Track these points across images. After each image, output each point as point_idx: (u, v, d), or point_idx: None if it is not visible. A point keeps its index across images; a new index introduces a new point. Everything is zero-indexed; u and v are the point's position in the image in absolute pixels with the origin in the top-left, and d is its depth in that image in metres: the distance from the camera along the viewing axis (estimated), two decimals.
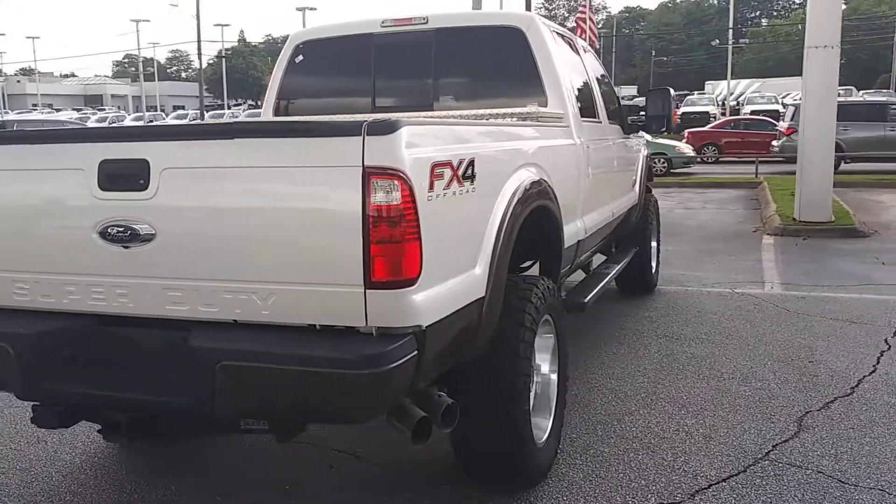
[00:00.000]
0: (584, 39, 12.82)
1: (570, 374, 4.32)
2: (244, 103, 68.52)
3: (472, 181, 2.81)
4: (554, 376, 3.59)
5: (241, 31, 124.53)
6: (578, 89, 4.80)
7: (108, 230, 2.59)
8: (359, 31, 4.80)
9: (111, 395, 2.64)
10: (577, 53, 5.23)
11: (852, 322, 5.84)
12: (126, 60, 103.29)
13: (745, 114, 31.97)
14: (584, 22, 19.38)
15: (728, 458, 3.58)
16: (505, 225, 3.03)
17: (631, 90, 60.14)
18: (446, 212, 2.62)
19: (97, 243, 2.60)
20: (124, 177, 2.57)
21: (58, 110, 54.52)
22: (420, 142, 2.50)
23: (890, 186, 15.05)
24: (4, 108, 55.14)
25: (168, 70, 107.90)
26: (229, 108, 58.87)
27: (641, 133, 7.07)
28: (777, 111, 29.45)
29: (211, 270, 2.52)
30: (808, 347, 5.25)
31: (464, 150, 2.82)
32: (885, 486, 3.28)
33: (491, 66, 4.61)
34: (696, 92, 49.39)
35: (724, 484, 3.33)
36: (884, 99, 24.93)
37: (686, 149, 20.66)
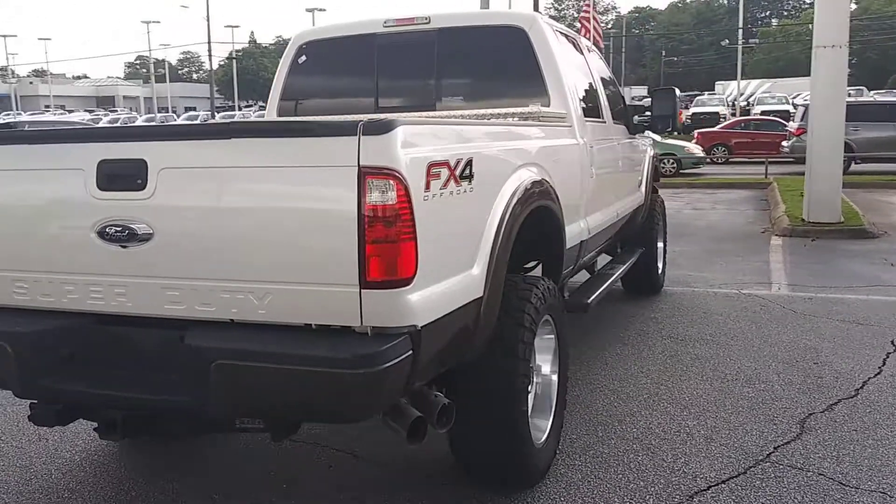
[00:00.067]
0: (589, 39, 12.80)
1: (572, 375, 4.32)
2: (255, 104, 68.74)
3: (470, 181, 2.80)
4: (554, 377, 3.58)
5: (252, 33, 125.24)
6: (582, 89, 4.78)
7: (107, 230, 2.60)
8: (361, 31, 4.80)
9: (109, 394, 2.65)
10: (581, 53, 5.21)
11: (859, 323, 5.80)
12: (138, 62, 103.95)
13: (755, 114, 31.84)
14: (588, 21, 19.34)
15: (728, 459, 3.56)
16: (504, 225, 3.02)
17: (641, 90, 60.00)
18: (443, 212, 2.61)
19: (95, 243, 2.62)
20: (122, 177, 2.58)
21: (70, 111, 54.93)
22: (416, 141, 2.50)
23: None
24: (17, 110, 55.58)
25: (179, 71, 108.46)
26: (240, 109, 59.04)
27: (648, 133, 7.05)
28: (787, 111, 29.32)
29: (208, 270, 2.52)
30: (813, 349, 5.21)
31: (461, 149, 2.81)
32: (887, 488, 3.25)
33: (493, 66, 4.60)
34: (706, 92, 49.21)
35: (723, 486, 3.31)
36: (894, 99, 24.76)
37: (695, 149, 20.58)
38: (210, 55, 49.70)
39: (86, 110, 58.33)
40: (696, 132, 24.29)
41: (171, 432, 3.17)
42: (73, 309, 2.74)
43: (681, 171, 19.25)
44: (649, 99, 6.51)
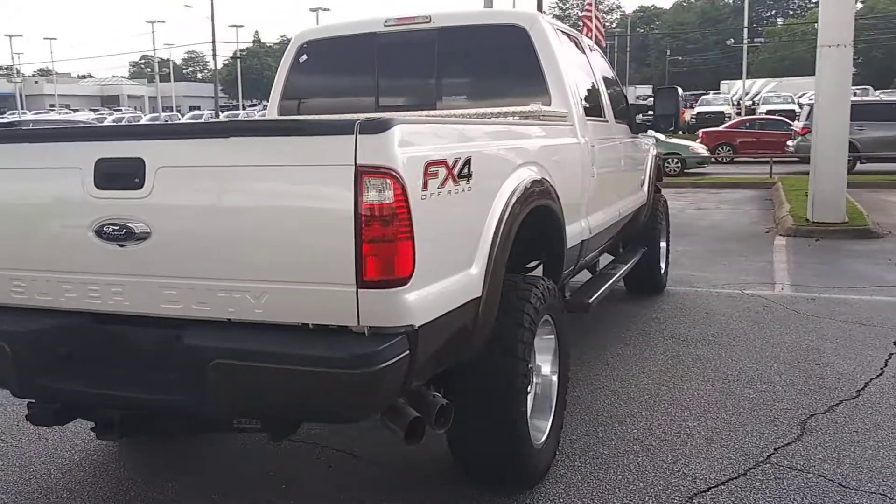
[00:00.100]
0: (590, 38, 12.78)
1: (573, 375, 4.30)
2: (259, 104, 68.82)
3: (469, 180, 2.79)
4: (554, 377, 3.57)
5: (256, 32, 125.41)
6: (583, 88, 4.77)
7: (104, 228, 2.59)
8: (362, 30, 4.80)
9: (106, 393, 2.65)
10: (583, 52, 5.20)
11: (862, 324, 5.77)
12: (142, 61, 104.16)
13: (760, 114, 31.75)
14: (591, 20, 19.36)
15: (728, 460, 3.54)
16: (503, 224, 3.01)
17: (646, 90, 59.85)
18: (441, 211, 2.61)
19: (93, 242, 2.61)
20: (120, 175, 2.58)
21: (75, 111, 55.04)
22: (414, 140, 2.49)
23: None
24: (22, 109, 55.74)
25: (184, 71, 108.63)
26: (244, 108, 59.13)
27: (651, 132, 7.02)
28: (793, 111, 29.25)
29: (205, 269, 2.52)
30: (815, 350, 5.19)
31: (459, 148, 2.80)
32: (887, 490, 3.24)
33: (494, 65, 4.59)
34: (711, 91, 49.11)
35: (723, 487, 3.30)
36: None
37: (700, 149, 20.54)
38: (214, 55, 49.80)
39: (90, 109, 58.45)
40: (700, 131, 24.25)
41: (168, 432, 3.16)
42: (70, 308, 2.74)
43: (685, 171, 19.21)
44: (652, 98, 6.48)
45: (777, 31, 78.07)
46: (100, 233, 2.60)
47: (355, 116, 2.50)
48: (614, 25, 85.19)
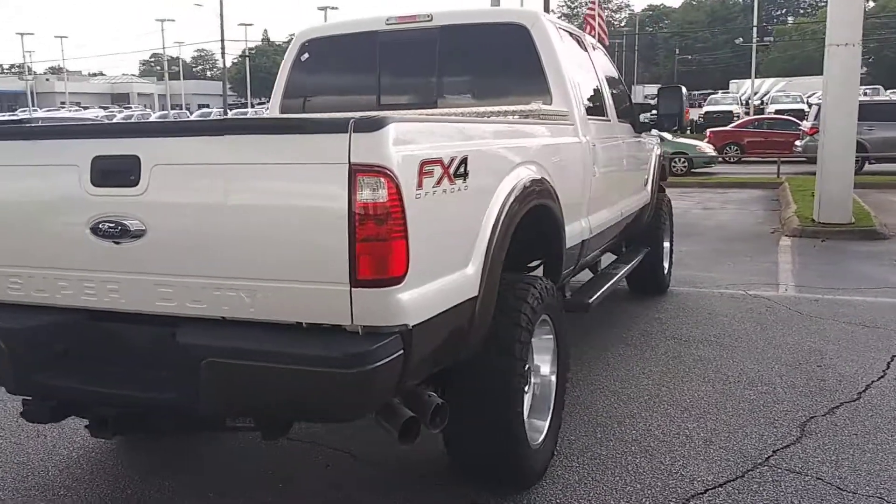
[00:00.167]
0: (594, 37, 12.74)
1: (573, 375, 4.30)
2: (268, 102, 68.83)
3: (465, 179, 2.78)
4: (553, 377, 3.55)
5: (266, 31, 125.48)
6: (585, 87, 4.75)
7: (100, 226, 2.59)
8: (364, 28, 4.79)
9: (100, 391, 2.65)
10: (586, 51, 5.18)
11: (865, 326, 5.74)
12: (153, 59, 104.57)
13: (769, 113, 31.61)
14: (594, 19, 19.32)
15: (727, 462, 3.53)
16: (500, 224, 2.99)
17: (654, 89, 59.66)
18: (436, 210, 2.60)
19: (89, 239, 2.61)
20: (116, 173, 2.58)
21: (85, 108, 55.31)
22: (408, 139, 2.48)
23: None
24: (33, 106, 56.04)
25: (194, 69, 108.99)
26: (253, 106, 59.26)
27: (655, 131, 7.00)
28: (802, 111, 29.08)
29: (199, 267, 2.52)
30: (817, 351, 5.16)
31: (456, 147, 2.79)
32: (885, 493, 3.21)
33: (495, 64, 4.58)
34: (720, 91, 48.92)
35: (720, 489, 3.28)
36: None
37: (707, 148, 20.48)
38: (223, 53, 49.97)
39: (100, 107, 58.74)
40: (708, 131, 24.16)
41: (162, 430, 3.16)
42: (66, 305, 2.74)
43: (692, 170, 19.16)
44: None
45: (787, 30, 77.67)
46: (96, 230, 2.60)
47: (352, 115, 2.49)
48: (623, 24, 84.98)
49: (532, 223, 3.36)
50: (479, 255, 2.88)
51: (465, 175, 2.77)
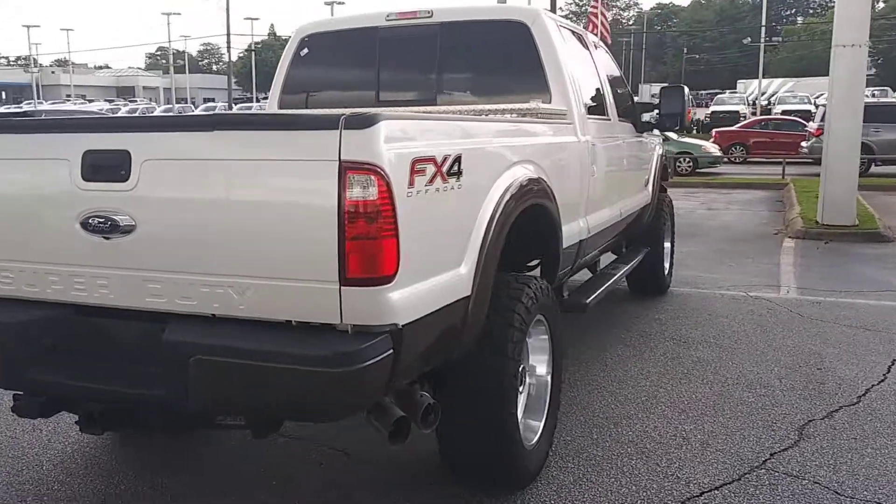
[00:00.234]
0: (596, 35, 12.68)
1: (570, 376, 4.28)
2: None
3: (459, 177, 2.75)
4: (548, 378, 3.53)
5: (272, 25, 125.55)
6: (586, 85, 4.71)
7: (90, 221, 2.57)
8: (364, 24, 4.77)
9: (88, 386, 2.63)
10: (587, 49, 5.14)
11: (866, 329, 5.69)
12: (159, 53, 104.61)
13: (776, 113, 31.49)
14: (596, 17, 19.27)
15: (723, 465, 3.50)
16: (494, 223, 2.96)
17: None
18: (428, 209, 2.57)
19: (79, 234, 2.60)
20: (107, 167, 2.56)
21: (90, 101, 55.40)
22: (400, 136, 2.45)
23: None
24: (39, 99, 56.13)
25: (199, 63, 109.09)
26: (258, 100, 59.23)
27: (657, 131, 6.95)
28: (809, 111, 28.96)
29: (188, 263, 2.50)
30: (817, 354, 5.12)
31: (449, 145, 2.75)
32: (883, 498, 3.18)
33: (495, 61, 4.55)
34: (727, 91, 48.76)
35: (716, 492, 3.25)
36: None
37: (712, 148, 20.40)
38: (229, 47, 49.99)
39: (106, 100, 58.83)
40: (713, 131, 24.07)
41: (150, 426, 3.15)
42: (56, 300, 2.72)
43: (697, 171, 19.10)
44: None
45: (796, 30, 77.39)
46: (86, 225, 2.58)
47: (346, 111, 2.47)
48: (631, 23, 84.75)
49: (528, 223, 3.33)
50: (472, 254, 2.85)
51: (458, 173, 2.75)
